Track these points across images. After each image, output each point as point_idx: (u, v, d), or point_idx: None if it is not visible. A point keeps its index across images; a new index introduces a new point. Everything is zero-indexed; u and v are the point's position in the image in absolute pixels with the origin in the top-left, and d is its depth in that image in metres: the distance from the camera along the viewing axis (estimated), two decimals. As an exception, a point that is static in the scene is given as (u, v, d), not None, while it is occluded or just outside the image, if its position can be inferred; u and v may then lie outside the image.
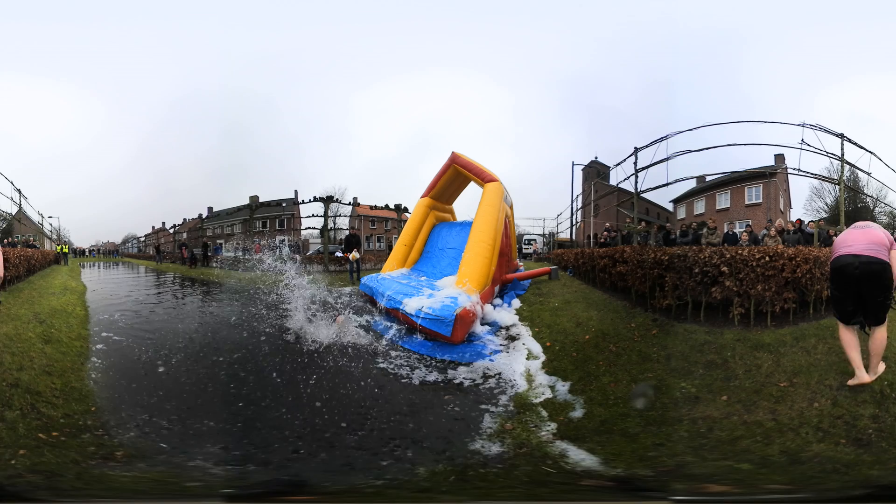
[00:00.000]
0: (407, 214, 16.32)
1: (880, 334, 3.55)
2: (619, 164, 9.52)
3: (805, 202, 24.75)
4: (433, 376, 4.92)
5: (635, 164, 8.92)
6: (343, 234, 20.37)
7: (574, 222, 15.93)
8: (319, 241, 25.13)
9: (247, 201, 24.23)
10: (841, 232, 7.37)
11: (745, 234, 9.84)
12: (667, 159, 8.33)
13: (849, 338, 3.60)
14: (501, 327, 6.89)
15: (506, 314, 7.39)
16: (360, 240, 13.77)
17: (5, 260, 8.37)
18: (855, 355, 3.55)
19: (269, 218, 31.04)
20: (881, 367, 3.65)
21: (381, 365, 5.22)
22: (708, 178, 20.95)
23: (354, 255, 12.42)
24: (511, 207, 10.97)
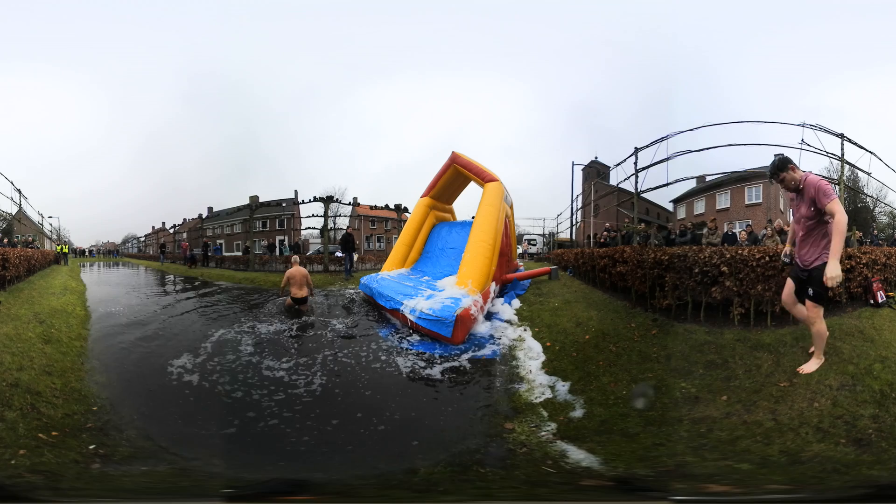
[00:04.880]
0: (407, 214, 16.30)
1: None
2: (619, 164, 9.52)
3: (805, 202, 24.72)
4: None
5: (635, 164, 8.91)
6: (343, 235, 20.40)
7: (574, 222, 15.91)
8: (319, 241, 25.12)
9: (247, 201, 24.20)
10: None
11: (743, 233, 9.83)
12: (667, 159, 8.32)
13: None
14: (504, 322, 6.91)
15: (506, 314, 7.39)
16: (353, 239, 14.10)
17: (5, 260, 8.37)
18: None
19: (268, 218, 31.03)
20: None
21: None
22: (708, 178, 20.98)
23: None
24: (511, 207, 10.96)
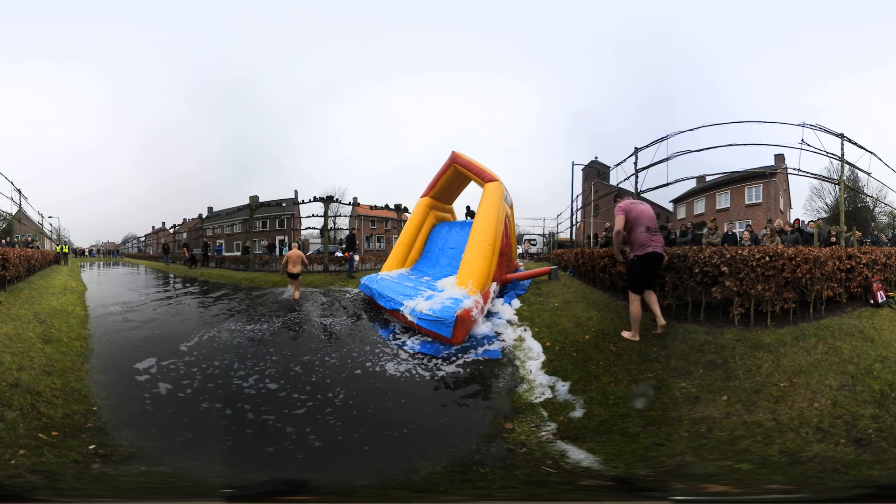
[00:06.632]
0: (407, 214, 16.31)
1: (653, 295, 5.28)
2: (619, 164, 9.49)
3: (805, 202, 24.84)
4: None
5: (635, 164, 8.90)
6: (343, 234, 20.44)
7: (574, 222, 15.90)
8: (319, 241, 25.11)
9: (247, 201, 24.19)
10: (841, 232, 7.41)
11: (746, 233, 9.82)
12: (667, 159, 8.30)
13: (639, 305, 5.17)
14: (504, 321, 6.90)
15: (506, 314, 7.39)
16: (356, 239, 14.44)
17: (5, 260, 8.37)
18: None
19: (268, 218, 31.03)
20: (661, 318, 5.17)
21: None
22: (708, 178, 20.98)
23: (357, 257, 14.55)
24: (511, 207, 10.96)
